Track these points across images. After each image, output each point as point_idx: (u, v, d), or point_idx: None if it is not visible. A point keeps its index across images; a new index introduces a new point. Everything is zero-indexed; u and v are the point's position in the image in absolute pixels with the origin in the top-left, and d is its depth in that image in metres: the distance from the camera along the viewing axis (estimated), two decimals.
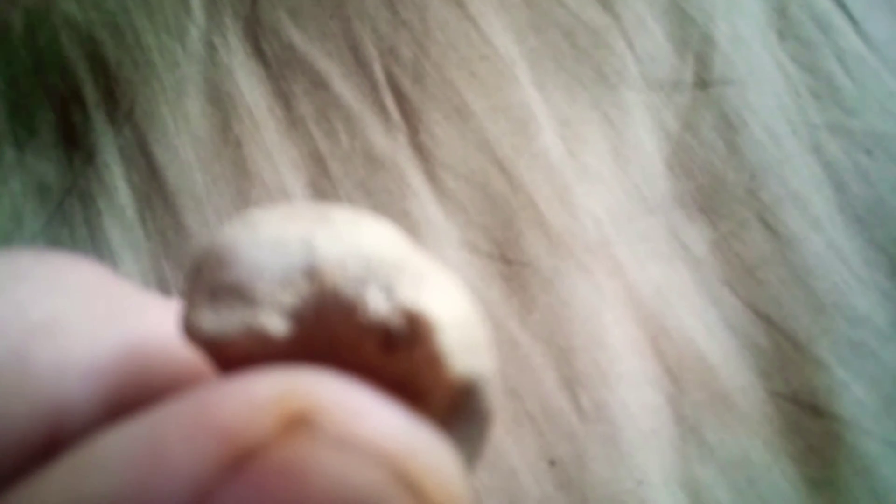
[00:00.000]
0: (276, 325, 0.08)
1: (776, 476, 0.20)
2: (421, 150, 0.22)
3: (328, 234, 0.09)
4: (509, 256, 0.21)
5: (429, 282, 0.08)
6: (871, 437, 0.20)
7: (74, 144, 0.23)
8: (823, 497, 0.19)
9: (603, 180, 0.22)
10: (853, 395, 0.20)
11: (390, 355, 0.08)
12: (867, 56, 0.25)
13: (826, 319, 0.21)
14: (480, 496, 0.18)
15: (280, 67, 0.24)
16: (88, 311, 0.10)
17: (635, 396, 0.20)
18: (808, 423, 0.20)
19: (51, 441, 0.09)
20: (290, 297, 0.08)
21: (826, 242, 0.22)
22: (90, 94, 0.24)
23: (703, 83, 0.24)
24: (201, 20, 0.24)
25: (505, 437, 0.19)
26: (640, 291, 0.21)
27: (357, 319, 0.08)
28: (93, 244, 0.21)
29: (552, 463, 0.19)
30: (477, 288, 0.20)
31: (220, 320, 0.08)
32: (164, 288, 0.20)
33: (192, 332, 0.09)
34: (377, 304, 0.08)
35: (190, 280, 0.09)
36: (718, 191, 0.23)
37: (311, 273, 0.08)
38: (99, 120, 0.23)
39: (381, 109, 0.23)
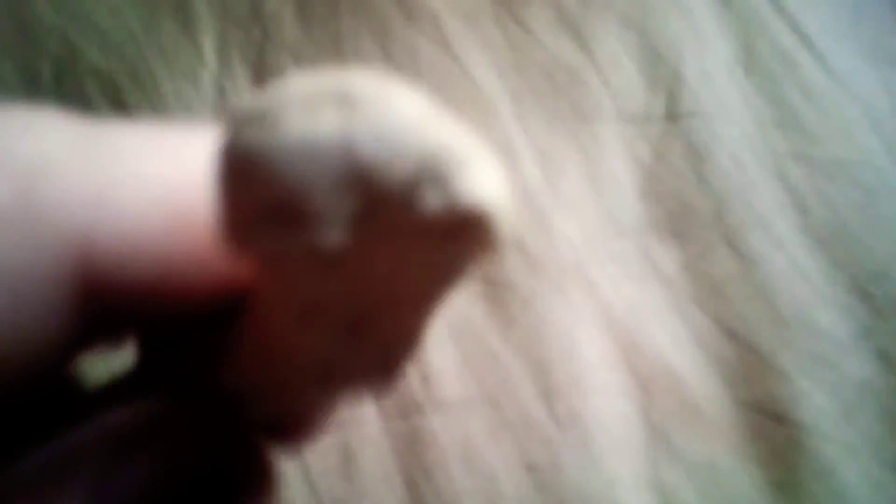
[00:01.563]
0: (332, 237, 0.08)
1: (741, 479, 0.21)
2: None
3: (364, 128, 0.08)
4: (491, 277, 0.23)
5: (475, 169, 0.08)
6: (831, 442, 0.21)
7: None
8: (786, 498, 0.21)
9: (578, 206, 0.24)
10: (814, 403, 0.22)
11: (444, 243, 0.08)
12: (830, 88, 0.27)
13: (788, 333, 0.23)
14: (461, 498, 0.20)
15: None
16: (78, 151, 0.10)
17: (608, 406, 0.21)
18: (772, 430, 0.22)
19: (84, 280, 0.10)
20: (341, 209, 0.08)
21: (788, 261, 0.24)
22: None
23: (672, 116, 0.26)
24: (213, 66, 0.27)
25: (486, 443, 0.21)
26: (613, 309, 0.23)
27: (410, 218, 0.08)
28: None
29: (530, 468, 0.20)
30: (461, 306, 0.22)
31: (274, 237, 0.08)
32: None
33: (244, 247, 0.08)
34: (431, 203, 0.08)
35: (227, 193, 0.08)
36: (687, 215, 0.25)
37: (358, 180, 0.08)
38: None
39: None
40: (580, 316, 0.22)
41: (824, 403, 0.22)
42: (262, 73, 0.27)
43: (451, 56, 0.26)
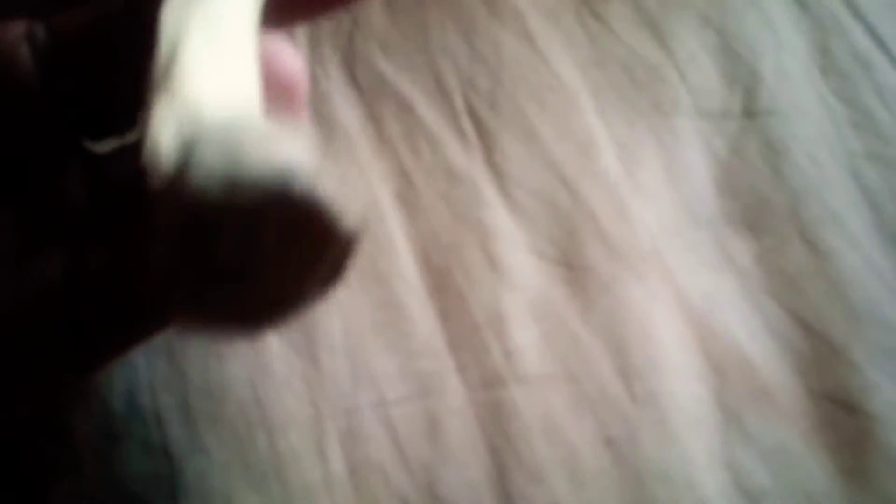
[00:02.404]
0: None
1: (811, 464, 0.22)
2: (495, 168, 0.25)
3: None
4: (572, 262, 0.24)
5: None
6: None
7: None
8: (855, 485, 0.21)
9: (657, 197, 0.25)
10: (884, 396, 0.22)
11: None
12: None
13: (860, 327, 0.23)
14: (542, 467, 0.21)
15: (372, 93, 0.27)
16: None
17: (683, 387, 0.22)
18: (842, 419, 0.22)
19: None
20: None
21: (862, 258, 0.25)
22: None
23: (749, 113, 0.27)
24: (305, 52, 0.28)
25: (566, 416, 0.22)
26: (690, 296, 0.23)
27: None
28: None
29: (608, 442, 0.21)
30: (543, 288, 0.23)
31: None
32: None
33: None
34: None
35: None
36: (763, 209, 0.25)
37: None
38: None
39: (460, 132, 0.26)
40: (657, 301, 0.23)
41: (894, 395, 0.23)
42: (350, 60, 0.28)
43: (534, 50, 0.27)
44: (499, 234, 0.24)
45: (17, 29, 0.14)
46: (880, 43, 0.28)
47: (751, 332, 0.23)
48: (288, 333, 0.23)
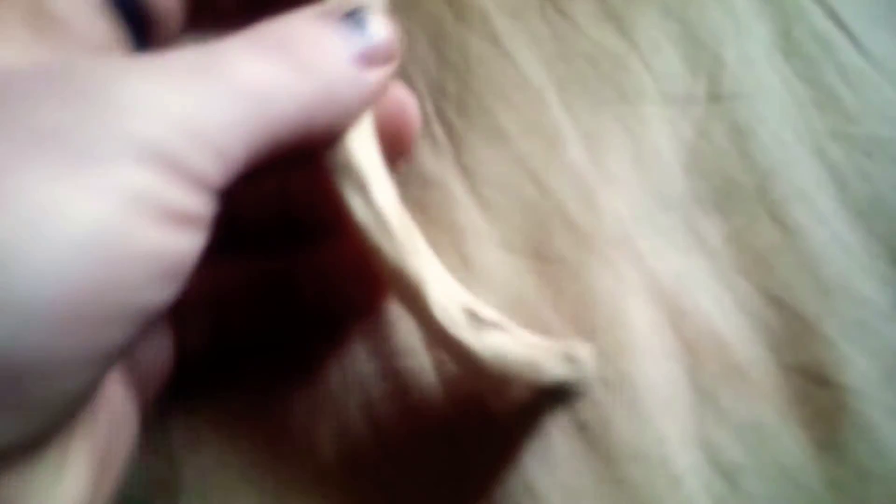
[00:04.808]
0: None
1: (786, 438, 0.22)
2: (465, 169, 0.26)
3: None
4: (542, 253, 0.24)
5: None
6: (874, 404, 0.22)
7: None
8: (830, 457, 0.22)
9: (624, 183, 0.25)
10: (857, 368, 0.23)
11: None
12: (866, 69, 0.28)
13: (832, 301, 0.24)
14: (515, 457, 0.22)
15: None
16: None
17: (655, 368, 0.23)
18: (816, 392, 0.22)
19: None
20: None
21: (830, 234, 0.25)
22: None
23: (714, 97, 0.27)
24: None
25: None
26: (660, 278, 0.24)
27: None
28: None
29: (581, 426, 0.22)
30: (514, 282, 0.24)
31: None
32: None
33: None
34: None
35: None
36: (731, 190, 0.26)
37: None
38: None
39: (432, 137, 0.27)
40: (627, 285, 0.24)
41: (867, 368, 0.23)
42: None
43: (500, 51, 0.28)
44: (470, 233, 0.25)
45: None
46: (841, 24, 0.29)
47: (723, 311, 0.24)
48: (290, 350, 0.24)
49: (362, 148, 0.19)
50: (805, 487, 0.21)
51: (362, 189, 0.19)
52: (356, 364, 0.24)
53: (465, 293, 0.19)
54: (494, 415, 0.21)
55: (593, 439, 0.22)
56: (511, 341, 0.19)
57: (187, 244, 0.13)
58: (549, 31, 0.28)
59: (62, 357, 0.11)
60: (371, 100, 0.18)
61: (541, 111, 0.27)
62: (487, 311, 0.19)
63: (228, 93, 0.14)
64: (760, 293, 0.24)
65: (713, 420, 0.22)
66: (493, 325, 0.19)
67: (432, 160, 0.26)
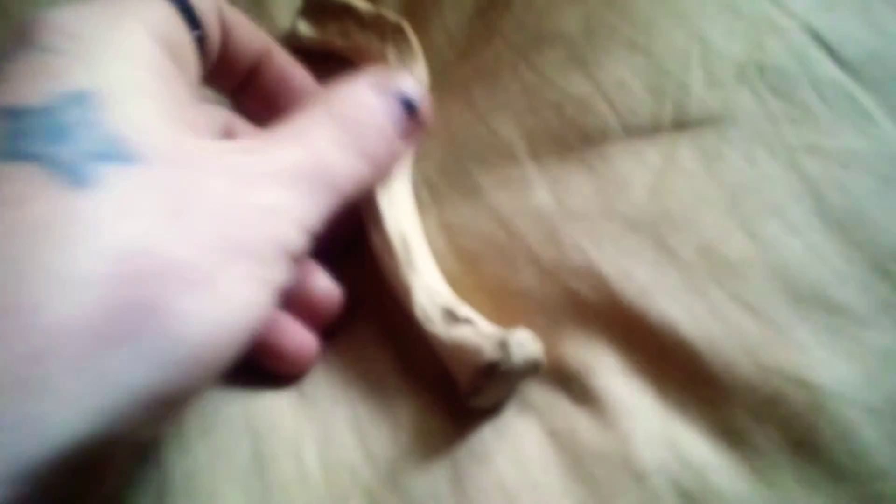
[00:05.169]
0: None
1: (760, 439, 0.22)
2: (445, 225, 0.28)
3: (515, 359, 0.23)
4: (510, 289, 0.26)
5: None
6: (852, 405, 0.21)
7: None
8: (806, 457, 0.21)
9: (588, 217, 0.26)
10: (834, 371, 0.22)
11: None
12: (843, 80, 0.27)
13: (807, 310, 0.23)
14: (490, 455, 0.23)
15: None
16: None
17: (622, 384, 0.23)
18: (793, 392, 0.22)
19: None
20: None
21: (805, 245, 0.24)
22: None
23: (680, 125, 0.28)
24: None
25: (512, 417, 0.24)
26: (624, 296, 0.24)
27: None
28: None
29: (552, 433, 0.23)
30: (488, 318, 0.25)
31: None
32: None
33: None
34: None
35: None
36: (701, 207, 0.26)
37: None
38: None
39: (419, 199, 0.30)
40: (590, 309, 0.25)
41: (844, 370, 0.22)
42: None
43: (477, 116, 0.30)
44: (452, 281, 0.27)
45: None
46: (815, 35, 0.28)
47: (693, 319, 0.24)
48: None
49: (384, 194, 0.27)
50: (778, 487, 0.21)
51: (377, 221, 0.27)
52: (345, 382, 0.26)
53: (450, 297, 0.25)
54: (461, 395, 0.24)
55: (562, 444, 0.23)
56: (472, 332, 0.23)
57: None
58: (520, 86, 0.31)
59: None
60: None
61: (511, 165, 0.29)
62: (464, 311, 0.24)
63: (324, 189, 0.20)
64: (734, 301, 0.24)
65: (681, 424, 0.22)
66: (464, 321, 0.24)
67: (421, 218, 0.29)
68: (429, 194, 0.30)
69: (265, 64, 0.26)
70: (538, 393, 0.24)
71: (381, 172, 0.23)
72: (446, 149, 0.30)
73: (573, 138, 0.29)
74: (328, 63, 0.33)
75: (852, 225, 0.24)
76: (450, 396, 0.24)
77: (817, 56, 0.28)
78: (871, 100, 0.27)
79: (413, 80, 0.24)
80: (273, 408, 0.26)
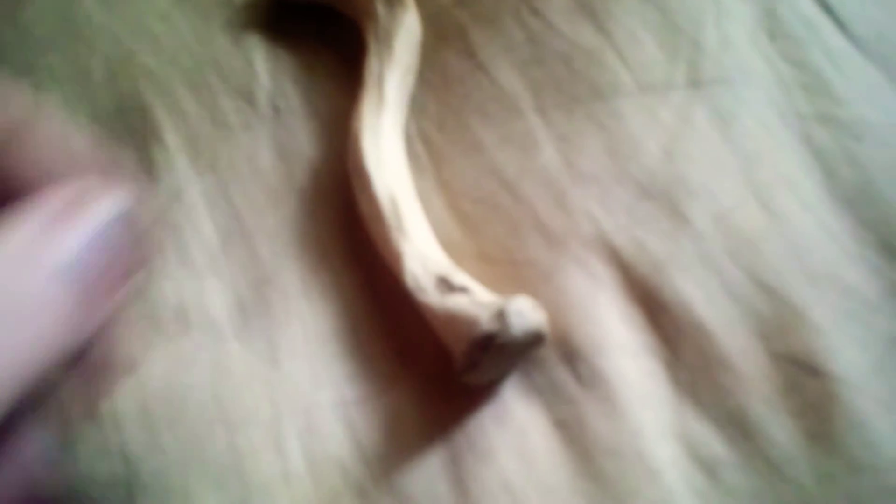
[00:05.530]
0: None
1: (774, 429, 0.21)
2: (444, 185, 0.27)
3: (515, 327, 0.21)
4: (515, 258, 0.24)
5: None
6: (864, 395, 0.21)
7: (157, 179, 0.28)
8: (820, 448, 0.21)
9: (598, 181, 0.25)
10: (847, 357, 0.21)
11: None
12: (853, 53, 0.26)
13: (820, 289, 0.23)
14: (495, 451, 0.22)
15: (332, 127, 0.29)
16: None
17: (631, 364, 0.22)
18: (806, 382, 0.21)
19: None
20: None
21: (816, 221, 0.24)
22: (171, 138, 0.29)
23: (695, 83, 0.26)
24: (267, 84, 0.30)
25: (516, 405, 0.22)
26: (636, 271, 0.23)
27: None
28: (182, 267, 0.26)
29: (558, 424, 0.22)
30: (492, 290, 0.24)
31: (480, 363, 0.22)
32: (241, 307, 0.26)
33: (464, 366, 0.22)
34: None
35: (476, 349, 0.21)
36: (716, 171, 0.25)
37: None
38: (182, 165, 0.28)
39: (415, 156, 0.27)
40: (601, 282, 0.23)
41: (856, 357, 0.21)
42: (310, 94, 0.29)
43: (476, 64, 0.28)
44: (448, 245, 0.25)
45: None
46: (827, 8, 0.27)
47: (707, 297, 0.23)
48: (250, 341, 0.24)
49: (373, 153, 0.25)
50: (793, 481, 0.20)
51: (364, 184, 0.25)
52: (329, 363, 0.24)
53: (445, 263, 0.23)
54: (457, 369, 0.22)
55: (570, 436, 0.22)
56: (467, 302, 0.22)
57: None
58: (524, 34, 0.28)
59: None
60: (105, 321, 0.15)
61: (515, 119, 0.27)
62: (460, 278, 0.23)
63: None
64: (749, 278, 0.23)
65: (693, 413, 0.22)
66: (459, 289, 0.22)
67: (416, 177, 0.27)
68: (425, 150, 0.28)
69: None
70: (542, 374, 0.23)
71: (57, 357, 0.14)
72: (443, 100, 0.28)
73: (582, 92, 0.27)
74: (318, 17, 0.30)
75: (862, 203, 0.24)
76: (447, 377, 0.23)
77: (828, 27, 0.27)
78: (881, 74, 0.26)
79: (122, 194, 0.15)
80: (246, 390, 0.24)
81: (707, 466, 0.21)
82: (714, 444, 0.21)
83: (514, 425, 0.22)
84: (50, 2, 0.32)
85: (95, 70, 0.31)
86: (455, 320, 0.22)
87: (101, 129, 0.30)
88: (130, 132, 0.29)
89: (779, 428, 0.21)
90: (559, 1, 0.29)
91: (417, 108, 0.28)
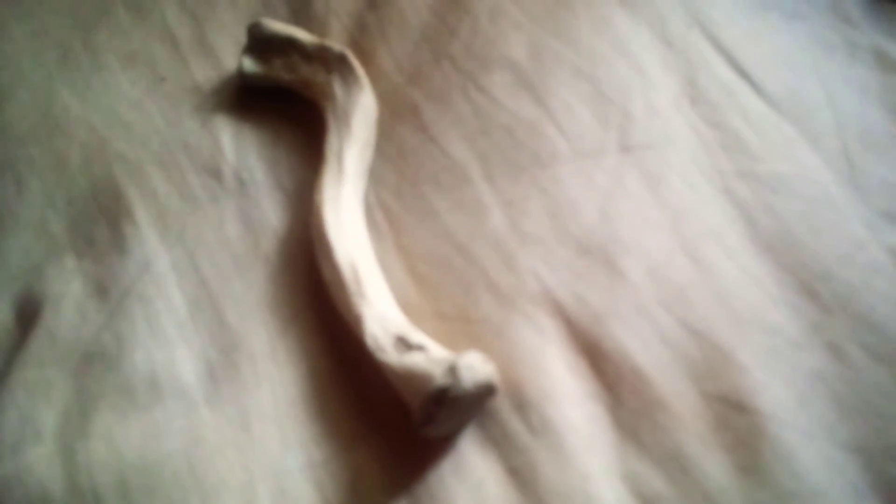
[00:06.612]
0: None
1: (709, 465, 0.23)
2: (403, 250, 0.29)
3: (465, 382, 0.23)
4: (469, 316, 0.26)
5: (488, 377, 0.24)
6: (789, 428, 0.23)
7: (128, 254, 0.29)
8: (751, 481, 0.22)
9: (542, 241, 0.27)
10: (773, 394, 0.24)
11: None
12: (768, 112, 0.30)
13: (746, 332, 0.25)
14: (453, 499, 0.23)
15: (297, 197, 0.31)
16: None
17: (577, 411, 0.24)
18: (736, 419, 0.23)
19: None
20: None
21: (740, 269, 0.26)
22: (141, 214, 0.30)
23: (625, 148, 0.29)
24: (233, 160, 0.31)
25: (472, 456, 0.24)
26: (579, 324, 0.25)
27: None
28: (152, 337, 0.27)
29: (512, 472, 0.24)
30: (448, 346, 0.26)
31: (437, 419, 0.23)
32: (211, 373, 0.27)
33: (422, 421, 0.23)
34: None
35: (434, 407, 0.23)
36: (647, 228, 0.27)
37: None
38: (151, 239, 0.29)
39: (374, 223, 0.29)
40: (547, 335, 0.25)
41: (781, 393, 0.24)
42: (276, 168, 0.31)
43: (429, 138, 0.31)
44: (406, 307, 0.27)
45: None
46: (742, 72, 0.30)
47: (644, 344, 0.25)
48: (221, 406, 0.26)
49: (334, 223, 0.27)
50: None
51: (326, 252, 0.27)
52: (297, 426, 0.25)
53: (403, 323, 0.25)
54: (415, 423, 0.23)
55: (523, 483, 0.23)
56: (423, 359, 0.24)
57: None
58: (471, 109, 0.31)
59: None
60: None
61: (465, 186, 0.29)
62: (416, 337, 0.24)
63: None
64: (680, 325, 0.25)
65: (635, 453, 0.23)
66: (416, 348, 0.24)
67: (376, 243, 0.29)
68: (384, 218, 0.30)
69: None
70: (496, 424, 0.24)
71: None
72: (400, 171, 0.31)
73: (525, 160, 0.29)
74: (281, 98, 0.33)
75: (782, 248, 0.26)
76: (408, 433, 0.24)
77: (744, 90, 0.30)
78: (794, 130, 0.29)
79: None
80: (219, 456, 0.25)
81: (649, 503, 0.23)
82: (655, 481, 0.23)
83: (471, 476, 0.24)
84: (31, 98, 0.34)
85: (72, 158, 0.32)
86: (412, 377, 0.23)
87: (77, 210, 0.31)
88: (103, 212, 0.31)
89: (713, 463, 0.23)
90: (502, 78, 0.32)
91: (376, 178, 0.31)
